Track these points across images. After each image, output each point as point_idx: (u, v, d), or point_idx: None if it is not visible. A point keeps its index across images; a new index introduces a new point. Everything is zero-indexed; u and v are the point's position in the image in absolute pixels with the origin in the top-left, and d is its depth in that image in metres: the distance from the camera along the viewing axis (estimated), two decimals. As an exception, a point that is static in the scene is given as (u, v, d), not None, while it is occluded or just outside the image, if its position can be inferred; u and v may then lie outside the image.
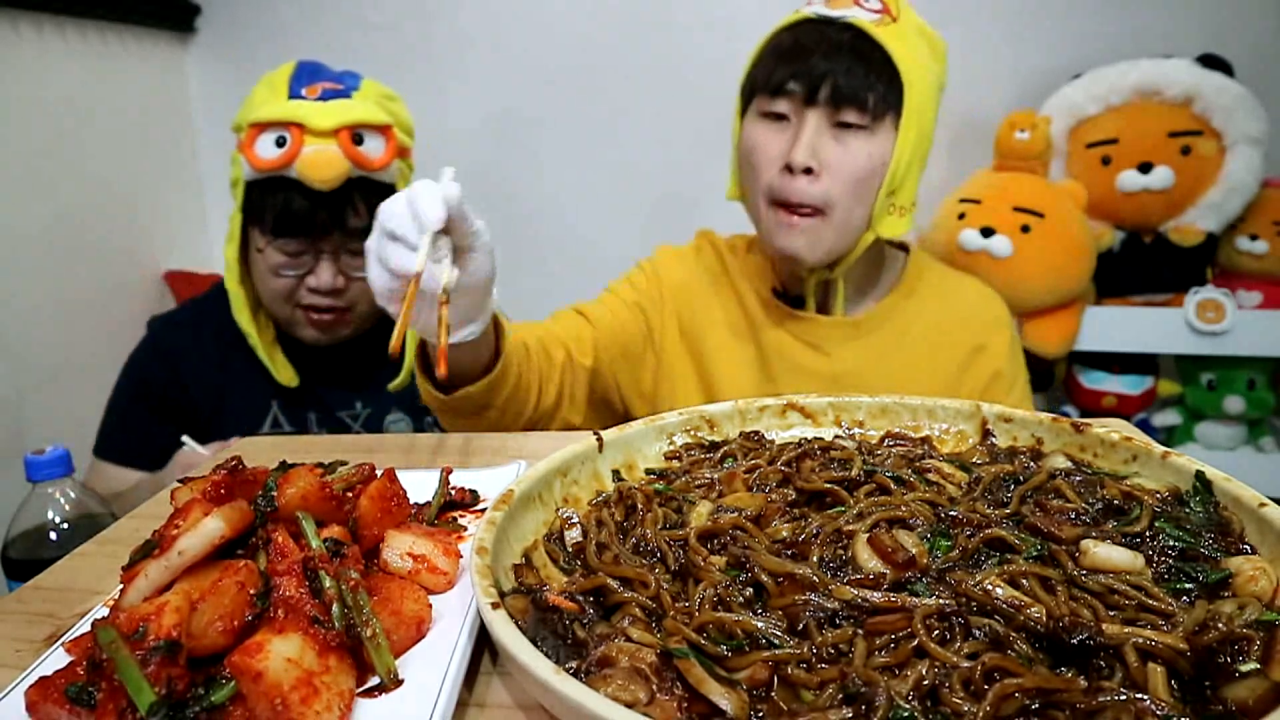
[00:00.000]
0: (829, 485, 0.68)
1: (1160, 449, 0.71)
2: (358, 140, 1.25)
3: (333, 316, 1.33)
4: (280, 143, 1.23)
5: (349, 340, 1.39)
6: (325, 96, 1.27)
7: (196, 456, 1.19)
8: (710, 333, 1.28)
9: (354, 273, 1.31)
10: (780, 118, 1.15)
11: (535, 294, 2.21)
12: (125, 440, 1.39)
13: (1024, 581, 0.54)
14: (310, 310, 1.32)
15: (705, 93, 2.12)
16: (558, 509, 0.70)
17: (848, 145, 1.12)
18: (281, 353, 1.38)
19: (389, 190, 1.30)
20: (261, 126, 1.24)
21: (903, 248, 1.34)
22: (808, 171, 1.12)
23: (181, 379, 1.38)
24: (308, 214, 1.25)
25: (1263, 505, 0.61)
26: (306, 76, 1.29)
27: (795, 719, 0.46)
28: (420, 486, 0.76)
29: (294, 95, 1.27)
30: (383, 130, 1.28)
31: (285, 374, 1.36)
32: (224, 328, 1.37)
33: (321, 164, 1.22)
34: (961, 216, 1.93)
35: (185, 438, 1.22)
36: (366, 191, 1.27)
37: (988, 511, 0.64)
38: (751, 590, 0.56)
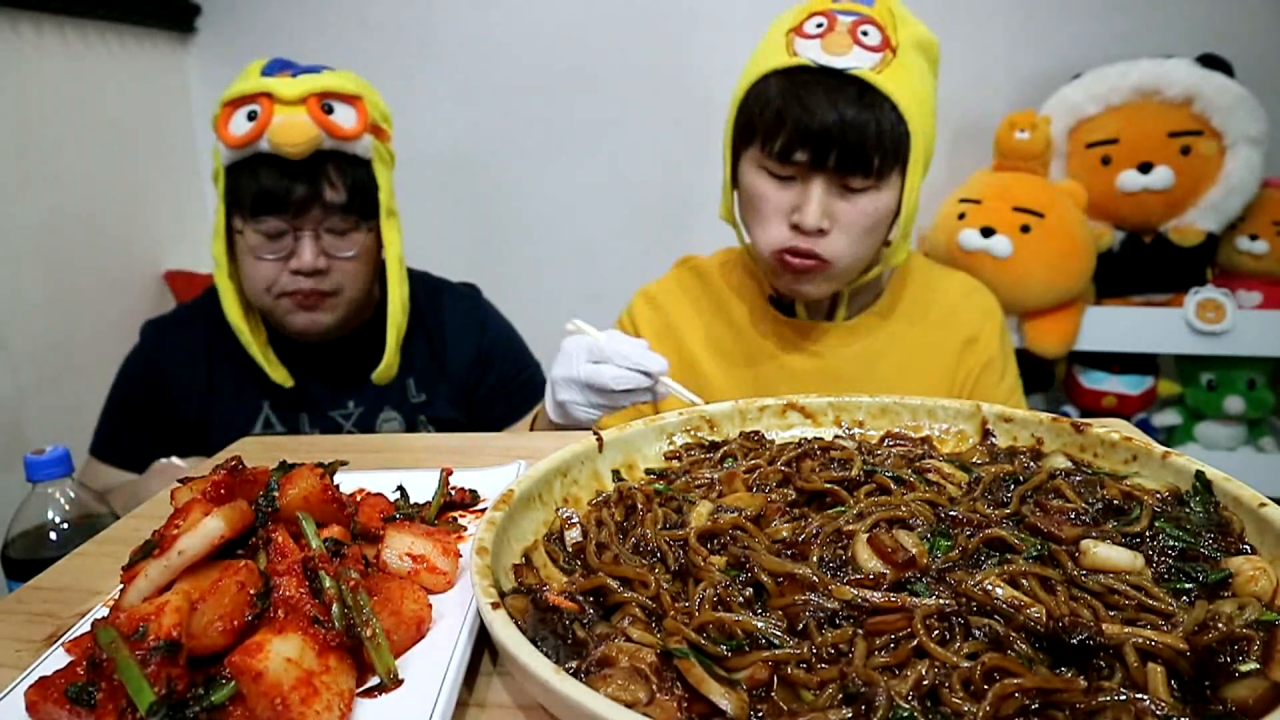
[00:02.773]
0: (829, 485, 0.68)
1: (1160, 449, 0.71)
2: (328, 110, 1.25)
3: (317, 297, 1.30)
4: (251, 117, 1.22)
5: (340, 339, 1.39)
6: (296, 74, 1.27)
7: (174, 469, 1.19)
8: (701, 358, 1.29)
9: (336, 254, 1.29)
10: (785, 177, 1.14)
11: (534, 297, 2.21)
12: (117, 442, 1.39)
13: (1024, 581, 0.54)
14: (296, 295, 1.29)
15: (703, 95, 2.13)
16: (558, 509, 0.70)
17: (856, 203, 1.12)
18: (275, 354, 1.37)
19: (363, 164, 1.29)
20: (234, 104, 1.24)
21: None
22: (819, 231, 1.12)
23: (168, 385, 1.38)
24: (284, 190, 1.24)
25: (1263, 505, 0.61)
26: (279, 66, 1.30)
27: (795, 719, 0.46)
28: (420, 486, 0.76)
29: (266, 76, 1.28)
30: (352, 101, 1.27)
31: (279, 374, 1.35)
32: (215, 332, 1.37)
33: (291, 129, 1.21)
34: (961, 216, 1.93)
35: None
36: (341, 164, 1.27)
37: (988, 511, 0.64)
38: (751, 590, 0.56)
